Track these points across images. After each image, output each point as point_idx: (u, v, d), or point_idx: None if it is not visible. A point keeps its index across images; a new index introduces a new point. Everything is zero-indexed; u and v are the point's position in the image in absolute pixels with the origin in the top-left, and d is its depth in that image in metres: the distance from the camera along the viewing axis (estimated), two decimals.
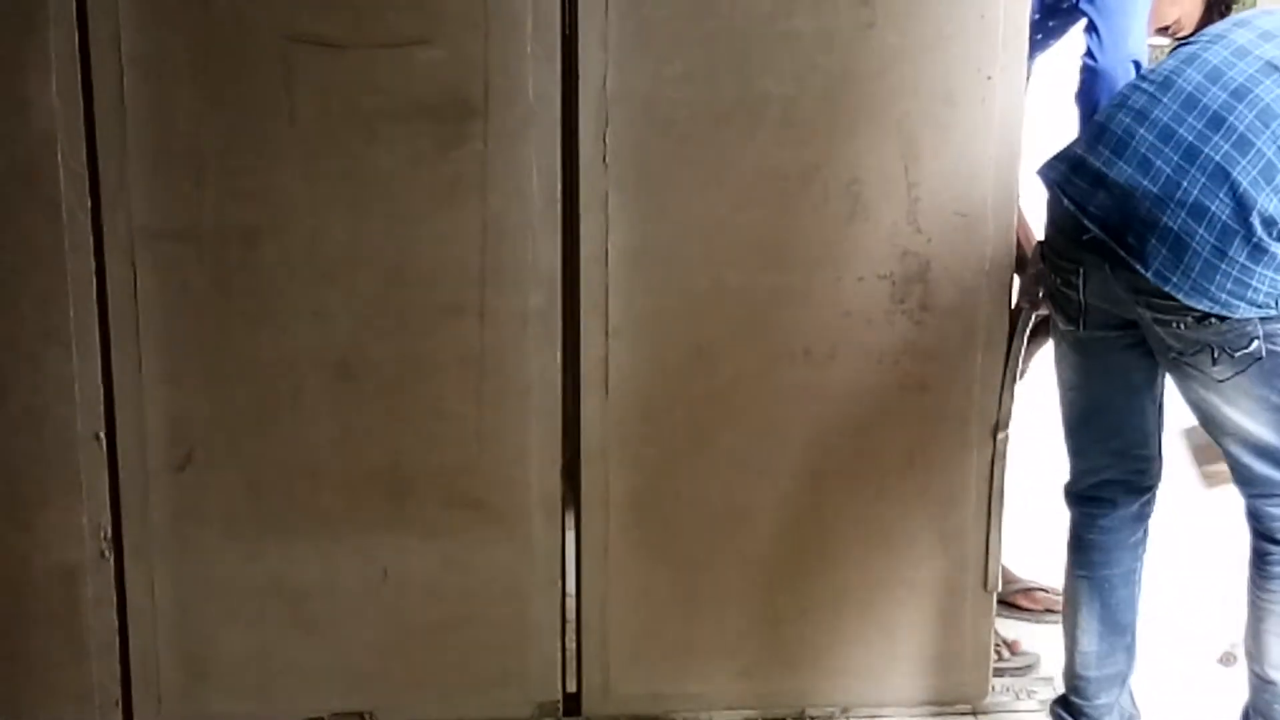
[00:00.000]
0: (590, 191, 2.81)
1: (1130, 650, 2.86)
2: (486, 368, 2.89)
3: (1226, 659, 3.27)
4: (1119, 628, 2.82)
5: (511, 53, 2.76)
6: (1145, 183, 2.41)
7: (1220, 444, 2.57)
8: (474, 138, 2.79)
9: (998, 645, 3.28)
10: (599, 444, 2.93)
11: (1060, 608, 3.52)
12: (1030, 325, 2.93)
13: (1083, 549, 2.83)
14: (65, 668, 2.94)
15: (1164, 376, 2.69)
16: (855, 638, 3.04)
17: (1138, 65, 3.20)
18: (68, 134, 2.71)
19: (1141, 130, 2.45)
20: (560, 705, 3.05)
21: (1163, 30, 3.47)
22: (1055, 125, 3.29)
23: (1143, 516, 2.80)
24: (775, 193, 2.85)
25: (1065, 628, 2.89)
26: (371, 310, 2.85)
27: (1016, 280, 2.94)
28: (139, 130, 2.72)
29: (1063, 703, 2.93)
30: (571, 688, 3.06)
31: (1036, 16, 3.40)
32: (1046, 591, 3.56)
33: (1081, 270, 2.53)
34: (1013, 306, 2.94)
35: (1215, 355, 2.43)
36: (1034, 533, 3.78)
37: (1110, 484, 2.77)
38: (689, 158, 2.82)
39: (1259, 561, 2.60)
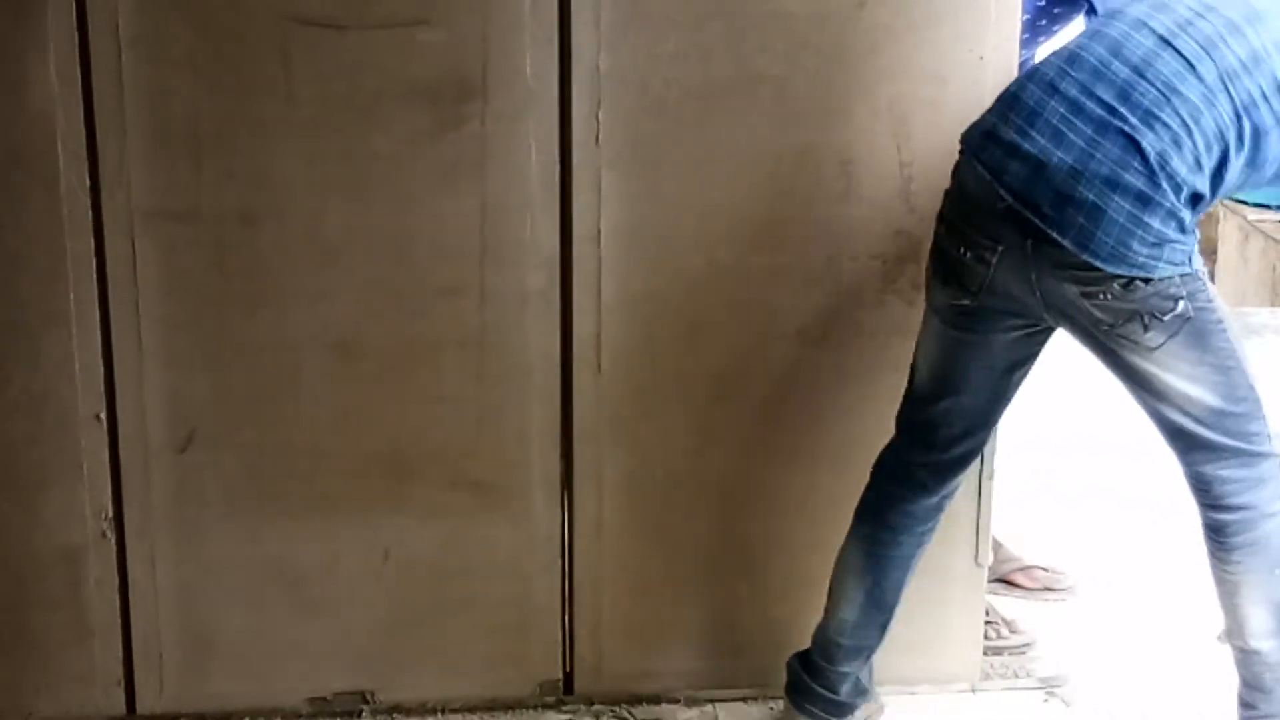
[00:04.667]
0: (583, 171, 2.82)
1: (884, 629, 2.84)
2: (486, 348, 2.89)
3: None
4: (882, 606, 2.80)
5: (510, 33, 2.76)
6: (1059, 154, 2.41)
7: (1163, 417, 2.53)
8: (473, 118, 2.79)
9: (996, 624, 3.29)
10: (592, 423, 2.93)
11: (1054, 585, 3.56)
12: None
13: (874, 524, 2.78)
14: (67, 648, 2.94)
15: (1026, 376, 2.68)
16: None
17: None
18: (66, 115, 2.71)
19: (1052, 102, 2.45)
20: (561, 684, 3.06)
21: None
22: None
23: (940, 509, 2.78)
24: (768, 172, 2.85)
25: (830, 587, 2.84)
26: (371, 291, 2.85)
27: None
28: (137, 111, 2.72)
29: (803, 658, 2.90)
30: (565, 667, 3.07)
31: (1042, 2, 3.42)
32: (1045, 570, 3.57)
33: (999, 247, 2.49)
34: None
35: (1146, 322, 2.42)
36: (1031, 511, 3.82)
37: (928, 468, 2.73)
38: (682, 137, 2.82)
39: (1216, 535, 2.56)
